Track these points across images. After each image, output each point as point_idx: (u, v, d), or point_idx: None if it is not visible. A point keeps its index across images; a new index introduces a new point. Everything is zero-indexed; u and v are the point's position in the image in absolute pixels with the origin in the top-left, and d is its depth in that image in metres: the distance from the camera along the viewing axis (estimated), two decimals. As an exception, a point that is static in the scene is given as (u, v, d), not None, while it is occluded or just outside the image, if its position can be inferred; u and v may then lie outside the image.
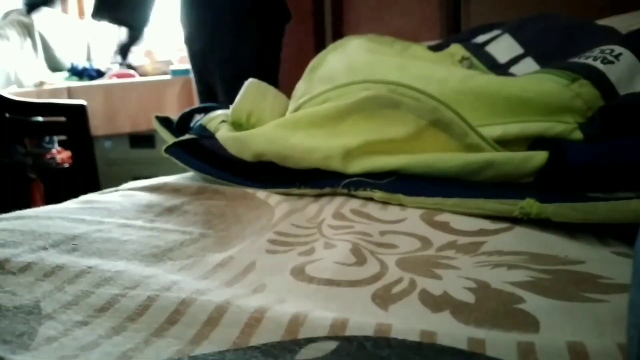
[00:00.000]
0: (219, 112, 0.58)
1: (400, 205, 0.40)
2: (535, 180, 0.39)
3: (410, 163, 0.42)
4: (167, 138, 0.59)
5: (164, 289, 0.25)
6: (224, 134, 0.52)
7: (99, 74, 2.25)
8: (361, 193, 0.43)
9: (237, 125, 0.56)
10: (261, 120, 0.55)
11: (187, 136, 0.57)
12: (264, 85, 0.60)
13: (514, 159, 0.39)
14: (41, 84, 2.05)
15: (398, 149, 0.44)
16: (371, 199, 0.43)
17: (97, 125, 1.77)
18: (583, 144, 0.41)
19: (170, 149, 0.54)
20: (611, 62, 0.45)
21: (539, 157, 0.38)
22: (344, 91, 0.49)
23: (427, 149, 0.43)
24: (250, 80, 0.60)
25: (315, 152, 0.45)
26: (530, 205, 0.33)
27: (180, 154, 0.54)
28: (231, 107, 0.57)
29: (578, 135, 0.42)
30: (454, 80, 0.50)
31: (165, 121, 0.64)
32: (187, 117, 0.63)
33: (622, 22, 0.71)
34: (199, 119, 0.61)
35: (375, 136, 0.44)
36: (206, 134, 0.56)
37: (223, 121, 0.55)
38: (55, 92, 1.88)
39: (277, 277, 0.28)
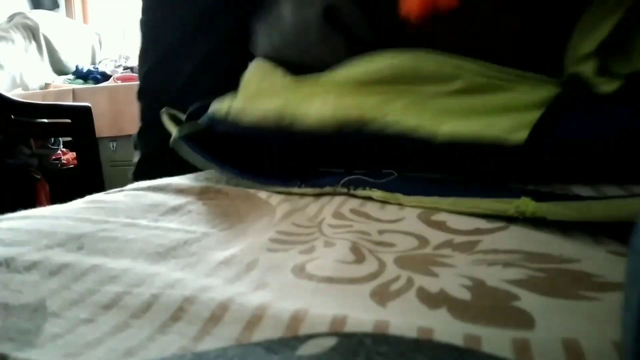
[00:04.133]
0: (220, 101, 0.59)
1: (399, 205, 0.41)
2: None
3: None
4: (175, 132, 0.59)
5: (168, 287, 0.26)
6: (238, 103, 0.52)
7: (104, 77, 2.25)
8: (360, 192, 0.43)
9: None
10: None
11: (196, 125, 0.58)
12: (270, 64, 0.59)
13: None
14: (46, 86, 2.07)
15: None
16: (370, 199, 0.43)
17: (102, 127, 1.79)
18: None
19: (176, 142, 0.55)
20: None
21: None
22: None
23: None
24: (257, 59, 0.59)
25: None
26: (525, 204, 0.33)
27: (185, 146, 0.55)
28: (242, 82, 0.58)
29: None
30: None
31: (172, 117, 0.65)
32: (196, 112, 0.64)
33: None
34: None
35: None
36: (216, 121, 0.56)
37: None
38: (60, 95, 1.90)
39: (279, 275, 0.28)
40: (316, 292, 0.26)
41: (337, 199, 0.44)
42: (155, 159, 0.86)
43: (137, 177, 0.93)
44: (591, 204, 0.32)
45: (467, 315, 0.22)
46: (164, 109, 0.65)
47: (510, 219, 0.34)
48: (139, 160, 0.92)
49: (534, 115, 0.41)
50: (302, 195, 0.47)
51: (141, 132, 0.93)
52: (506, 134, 0.40)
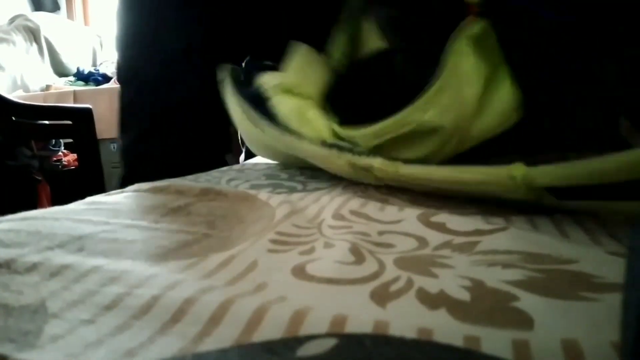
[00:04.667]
0: (271, 76, 0.61)
1: (398, 206, 0.41)
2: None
3: None
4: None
5: (168, 288, 0.26)
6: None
7: (105, 78, 2.26)
8: (362, 160, 0.46)
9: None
10: (306, 92, 0.58)
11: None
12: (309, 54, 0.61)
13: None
14: (47, 88, 2.07)
15: None
16: (370, 200, 0.43)
17: (103, 128, 1.78)
18: None
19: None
20: None
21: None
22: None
23: None
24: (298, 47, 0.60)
25: None
26: (518, 168, 0.34)
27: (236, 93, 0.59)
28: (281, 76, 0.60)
29: None
30: None
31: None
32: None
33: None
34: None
35: None
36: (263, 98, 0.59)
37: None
38: (61, 96, 1.90)
39: (278, 276, 0.28)
40: (316, 293, 0.26)
41: (337, 200, 0.44)
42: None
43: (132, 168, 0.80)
44: (583, 162, 0.30)
45: (466, 316, 0.22)
46: (227, 67, 0.64)
47: (510, 220, 0.34)
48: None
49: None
50: (302, 197, 0.47)
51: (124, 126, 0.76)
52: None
